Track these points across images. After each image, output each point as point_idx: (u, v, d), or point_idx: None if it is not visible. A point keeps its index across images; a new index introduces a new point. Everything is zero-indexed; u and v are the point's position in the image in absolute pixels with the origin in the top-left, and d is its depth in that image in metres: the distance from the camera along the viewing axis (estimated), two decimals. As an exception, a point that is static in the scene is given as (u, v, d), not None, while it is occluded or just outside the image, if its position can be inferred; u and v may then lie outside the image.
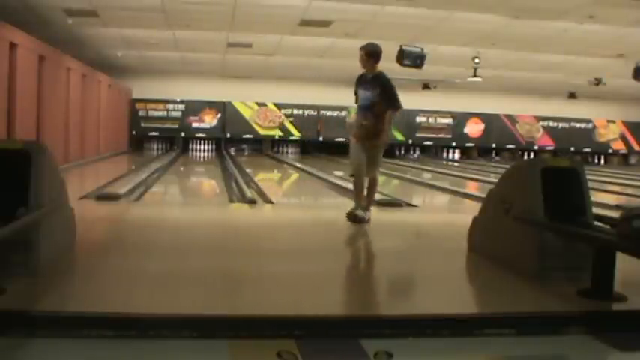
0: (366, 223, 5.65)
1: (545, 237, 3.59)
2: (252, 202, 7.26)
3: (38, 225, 3.30)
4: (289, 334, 2.65)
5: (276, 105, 19.84)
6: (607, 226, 3.71)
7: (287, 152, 20.28)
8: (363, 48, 5.71)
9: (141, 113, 19.13)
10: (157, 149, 19.38)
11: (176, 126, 19.33)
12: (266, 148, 19.95)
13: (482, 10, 9.68)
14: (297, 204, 9.15)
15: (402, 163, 16.98)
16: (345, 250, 4.81)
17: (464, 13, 9.89)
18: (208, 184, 11.82)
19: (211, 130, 19.57)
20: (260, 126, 19.79)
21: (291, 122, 19.94)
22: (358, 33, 11.28)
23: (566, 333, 2.87)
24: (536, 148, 21.52)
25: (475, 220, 4.43)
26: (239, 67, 17.24)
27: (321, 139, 19.99)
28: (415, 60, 11.87)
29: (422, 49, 11.86)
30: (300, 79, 18.94)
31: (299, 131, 19.97)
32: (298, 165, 15.23)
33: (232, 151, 19.56)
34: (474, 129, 21.22)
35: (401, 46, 11.56)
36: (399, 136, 19.84)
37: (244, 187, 8.77)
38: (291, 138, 20.12)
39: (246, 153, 19.72)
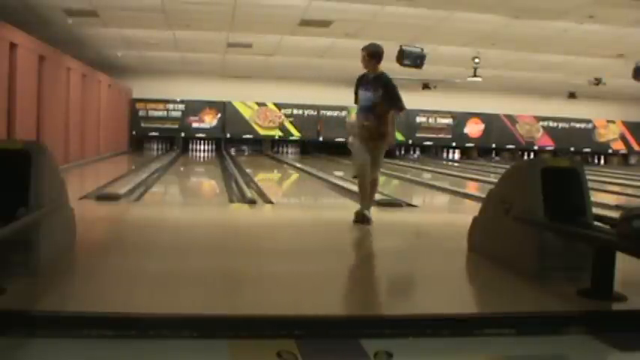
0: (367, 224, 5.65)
1: (545, 237, 3.59)
2: (252, 202, 7.26)
3: (38, 225, 3.31)
4: (289, 334, 2.65)
5: (276, 105, 19.84)
6: (607, 226, 3.71)
7: (287, 152, 20.28)
8: (365, 48, 5.68)
9: (141, 113, 19.13)
10: (157, 149, 19.39)
11: (176, 126, 19.33)
12: (266, 148, 19.95)
13: (482, 10, 9.68)
14: (297, 204, 9.15)
15: (402, 163, 16.98)
16: (345, 250, 4.81)
17: (464, 13, 9.89)
18: (208, 184, 11.82)
19: (211, 130, 19.57)
20: (260, 126, 19.79)
21: (291, 122, 19.95)
22: (358, 33, 11.29)
23: (566, 333, 2.88)
24: (536, 148, 21.52)
25: (475, 220, 4.43)
26: (239, 67, 17.24)
27: (321, 139, 19.99)
28: (415, 60, 11.88)
29: (422, 49, 11.87)
30: (300, 79, 18.95)
31: (299, 131, 19.98)
32: (298, 165, 15.23)
33: (232, 151, 19.55)
34: (474, 129, 21.23)
35: (401, 46, 11.57)
36: (399, 136, 19.84)
37: (244, 187, 8.77)
38: (291, 138, 20.12)
39: (246, 153, 19.71)
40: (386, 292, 3.82)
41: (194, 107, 19.38)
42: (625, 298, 3.21)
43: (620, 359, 2.75)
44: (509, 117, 21.30)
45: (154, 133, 19.31)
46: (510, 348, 2.79)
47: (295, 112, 19.96)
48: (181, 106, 19.32)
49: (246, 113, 19.71)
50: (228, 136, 19.67)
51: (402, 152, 20.67)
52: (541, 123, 21.53)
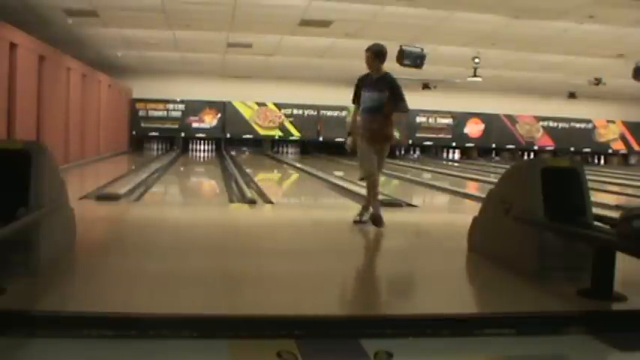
0: (364, 224, 5.65)
1: (545, 237, 3.59)
2: (252, 202, 7.26)
3: (38, 225, 3.31)
4: (289, 334, 2.65)
5: (276, 105, 19.84)
6: (607, 226, 3.71)
7: (287, 152, 20.29)
8: (369, 49, 5.60)
9: (141, 113, 19.14)
10: (157, 149, 19.39)
11: (176, 126, 19.34)
12: (266, 148, 19.95)
13: (482, 10, 9.68)
14: (297, 204, 9.15)
15: (402, 163, 16.98)
16: (345, 250, 4.80)
17: (464, 13, 9.89)
18: (208, 184, 11.82)
19: (211, 130, 19.57)
20: (260, 126, 19.79)
21: (291, 122, 19.95)
22: (358, 33, 11.29)
23: (566, 333, 2.88)
24: (536, 148, 21.53)
25: (475, 220, 4.43)
26: (239, 67, 17.24)
27: (321, 139, 19.99)
28: (415, 60, 11.88)
29: (422, 49, 11.87)
30: (300, 79, 18.95)
31: (299, 131, 19.98)
32: (298, 165, 15.23)
33: (233, 152, 19.55)
34: (474, 129, 21.23)
35: (401, 46, 11.57)
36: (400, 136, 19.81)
37: (244, 187, 8.77)
38: (291, 138, 20.12)
39: (246, 153, 19.69)
40: (386, 292, 3.81)
41: (194, 107, 19.38)
42: (625, 298, 3.21)
43: (620, 359, 2.75)
44: (509, 117, 21.31)
45: (154, 133, 19.32)
46: (510, 348, 2.79)
47: (295, 112, 19.96)
48: (181, 106, 19.32)
49: (246, 113, 19.71)
50: (228, 136, 19.67)
51: (402, 152, 20.66)
52: (541, 123, 21.54)
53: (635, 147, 22.28)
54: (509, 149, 21.56)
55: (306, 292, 3.38)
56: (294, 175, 13.69)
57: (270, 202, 7.69)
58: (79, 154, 12.71)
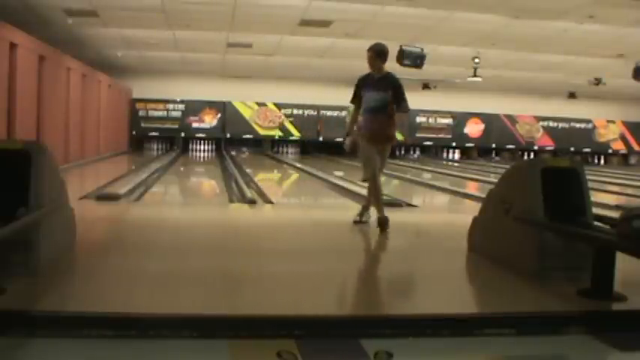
0: (364, 224, 5.65)
1: (545, 237, 3.59)
2: (252, 202, 7.26)
3: (38, 225, 3.31)
4: (289, 334, 2.65)
5: (276, 105, 19.84)
6: (607, 226, 3.71)
7: (287, 152, 20.29)
8: (370, 49, 5.56)
9: (141, 113, 19.14)
10: (157, 149, 19.39)
11: (176, 126, 19.34)
12: (266, 148, 19.95)
13: (482, 10, 9.68)
14: (297, 204, 9.15)
15: (402, 163, 16.98)
16: (345, 250, 4.80)
17: (464, 13, 9.89)
18: (208, 184, 11.82)
19: (211, 130, 19.57)
20: (260, 126, 19.79)
21: (291, 122, 19.95)
22: (358, 33, 11.29)
23: (566, 333, 2.88)
24: (536, 148, 21.53)
25: (475, 220, 4.43)
26: (239, 67, 17.24)
27: (321, 139, 19.99)
28: (415, 60, 11.88)
29: (422, 49, 11.87)
30: (300, 79, 18.95)
31: (299, 131, 19.98)
32: (298, 165, 15.23)
33: (233, 152, 19.56)
34: (474, 129, 21.23)
35: (401, 46, 11.57)
36: (399, 136, 19.81)
37: (244, 187, 8.77)
38: (291, 138, 20.12)
39: (246, 153, 19.69)
40: (386, 292, 3.81)
41: (194, 107, 19.38)
42: (625, 298, 3.21)
43: (620, 359, 2.75)
44: (509, 117, 21.31)
45: (154, 133, 19.32)
46: (510, 348, 2.79)
47: (295, 112, 19.97)
48: (181, 106, 19.32)
49: (246, 113, 19.71)
50: (228, 136, 19.67)
51: (402, 152, 20.67)
52: (541, 123, 21.54)
53: (635, 147, 22.28)
54: (509, 149, 21.56)
55: (306, 292, 3.38)
56: (294, 175, 13.69)
57: (270, 202, 7.69)
58: (79, 154, 12.71)
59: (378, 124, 5.49)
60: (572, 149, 21.21)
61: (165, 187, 10.47)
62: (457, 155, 21.56)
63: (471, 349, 2.75)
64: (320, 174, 12.13)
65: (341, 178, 11.56)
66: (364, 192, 5.92)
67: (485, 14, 9.93)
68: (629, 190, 11.06)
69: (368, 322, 2.94)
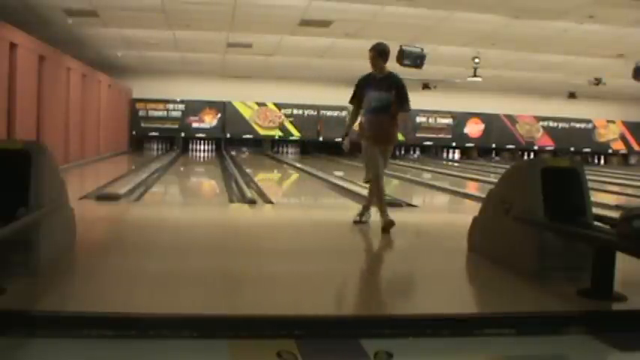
0: (364, 224, 5.65)
1: (545, 237, 3.59)
2: (252, 202, 7.26)
3: (38, 225, 3.31)
4: (289, 334, 2.65)
5: (276, 105, 19.85)
6: (607, 226, 3.71)
7: (287, 152, 20.29)
8: (372, 48, 5.52)
9: (141, 113, 19.14)
10: (157, 149, 19.38)
11: (176, 126, 19.33)
12: (266, 148, 19.95)
13: (482, 10, 9.68)
14: (297, 204, 9.15)
15: (402, 163, 16.98)
16: (344, 250, 4.80)
17: (464, 13, 9.89)
18: (208, 184, 11.82)
19: (211, 130, 19.57)
20: (260, 126, 19.79)
21: (291, 122, 19.95)
22: (358, 33, 11.29)
23: (566, 333, 2.88)
24: (536, 148, 21.53)
25: (475, 220, 4.43)
26: (239, 67, 17.24)
27: (321, 139, 19.99)
28: (415, 60, 11.87)
29: (422, 49, 11.86)
30: (300, 79, 18.95)
31: (299, 131, 19.98)
32: (298, 165, 15.23)
33: (233, 152, 19.56)
34: (474, 129, 21.23)
35: (401, 46, 11.56)
36: (400, 136, 19.82)
37: (244, 187, 8.77)
38: (291, 138, 20.12)
39: (246, 153, 19.69)
40: (386, 292, 3.81)
41: (194, 107, 19.38)
42: (625, 298, 3.21)
43: (620, 359, 2.75)
44: (509, 117, 21.31)
45: (154, 133, 19.31)
46: (510, 348, 2.79)
47: (295, 112, 19.97)
48: (181, 106, 19.32)
49: (246, 113, 19.71)
50: (228, 136, 19.66)
51: (402, 152, 20.67)
52: (541, 123, 21.54)
53: (635, 147, 22.29)
54: (509, 149, 21.56)
55: (306, 292, 3.38)
56: (294, 175, 13.69)
57: (270, 202, 7.69)
58: (79, 154, 12.71)
59: (380, 124, 5.44)
60: (572, 149, 21.21)
61: (165, 187, 10.47)
62: (457, 155, 21.56)
63: (471, 349, 2.75)
64: (320, 174, 12.13)
65: (341, 178, 11.56)
66: (364, 192, 5.92)
67: (486, 14, 9.93)
68: (629, 190, 11.06)
69: (368, 322, 2.94)
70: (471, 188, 10.92)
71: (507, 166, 5.06)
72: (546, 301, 3.27)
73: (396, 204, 7.31)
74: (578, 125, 21.72)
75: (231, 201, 8.01)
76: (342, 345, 2.66)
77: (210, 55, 15.12)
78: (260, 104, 19.74)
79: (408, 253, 4.78)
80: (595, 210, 3.95)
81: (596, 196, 6.45)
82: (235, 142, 19.91)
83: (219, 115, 19.51)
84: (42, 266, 3.31)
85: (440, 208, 8.83)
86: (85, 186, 8.62)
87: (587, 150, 21.81)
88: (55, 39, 11.25)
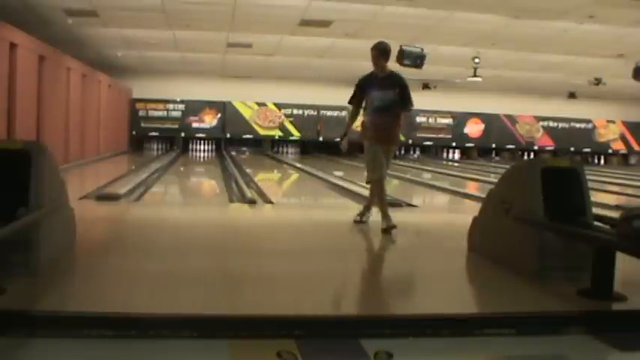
0: (364, 223, 5.65)
1: (545, 237, 3.59)
2: (252, 202, 7.26)
3: (38, 225, 3.30)
4: (289, 334, 2.65)
5: (276, 105, 19.84)
6: (607, 226, 3.71)
7: (287, 152, 20.28)
8: (374, 47, 5.47)
9: (141, 113, 19.14)
10: (157, 149, 19.38)
11: (176, 126, 19.34)
12: (266, 148, 19.95)
13: (482, 10, 9.68)
14: (297, 204, 9.15)
15: (402, 163, 16.98)
16: (345, 250, 4.80)
17: (464, 13, 9.89)
18: (208, 184, 11.82)
19: (211, 130, 19.57)
20: (260, 126, 19.79)
21: (291, 122, 19.95)
22: (358, 33, 11.29)
23: (566, 333, 2.88)
24: (536, 148, 21.53)
25: (475, 220, 4.43)
26: (239, 67, 17.24)
27: (321, 139, 19.99)
28: (415, 60, 11.87)
29: (422, 49, 11.86)
30: (300, 79, 18.95)
31: (299, 131, 19.98)
32: (298, 165, 15.23)
33: (233, 152, 19.55)
34: (474, 129, 21.23)
35: (401, 46, 11.56)
36: (401, 137, 19.80)
37: (244, 187, 8.77)
38: (291, 138, 20.12)
39: (246, 153, 19.68)
40: (386, 292, 3.81)
41: (194, 107, 19.38)
42: (625, 298, 3.21)
43: (620, 359, 2.75)
44: (509, 117, 21.31)
45: (154, 133, 19.31)
46: (510, 348, 2.79)
47: (295, 112, 19.96)
48: (181, 106, 19.32)
49: (246, 113, 19.71)
50: (228, 136, 19.66)
51: (402, 152, 20.66)
52: (541, 123, 21.54)
53: (635, 147, 22.28)
54: (509, 149, 21.56)
55: (306, 292, 3.38)
56: (294, 175, 13.69)
57: (270, 202, 7.69)
58: (79, 154, 12.71)
59: (383, 124, 5.39)
60: (572, 149, 21.21)
61: (165, 187, 10.47)
62: (457, 155, 21.56)
63: (471, 349, 2.75)
64: (320, 174, 12.13)
65: (341, 178, 11.56)
66: (364, 192, 5.92)
67: (486, 14, 9.93)
68: (629, 190, 11.06)
69: (368, 322, 2.93)
70: (471, 188, 10.92)
71: (507, 166, 5.06)
72: (546, 301, 3.27)
73: (396, 204, 7.31)
74: (578, 125, 21.72)
75: (231, 201, 8.01)
76: (342, 345, 2.66)
77: (210, 55, 15.12)
78: (260, 104, 19.74)
79: (408, 253, 4.78)
80: (595, 210, 3.95)
81: (596, 196, 6.45)
82: (235, 142, 19.91)
83: (219, 115, 19.51)
84: (42, 266, 3.30)
85: (440, 208, 8.83)
86: (85, 186, 8.62)
87: (587, 150, 21.81)
88: (55, 39, 11.25)
